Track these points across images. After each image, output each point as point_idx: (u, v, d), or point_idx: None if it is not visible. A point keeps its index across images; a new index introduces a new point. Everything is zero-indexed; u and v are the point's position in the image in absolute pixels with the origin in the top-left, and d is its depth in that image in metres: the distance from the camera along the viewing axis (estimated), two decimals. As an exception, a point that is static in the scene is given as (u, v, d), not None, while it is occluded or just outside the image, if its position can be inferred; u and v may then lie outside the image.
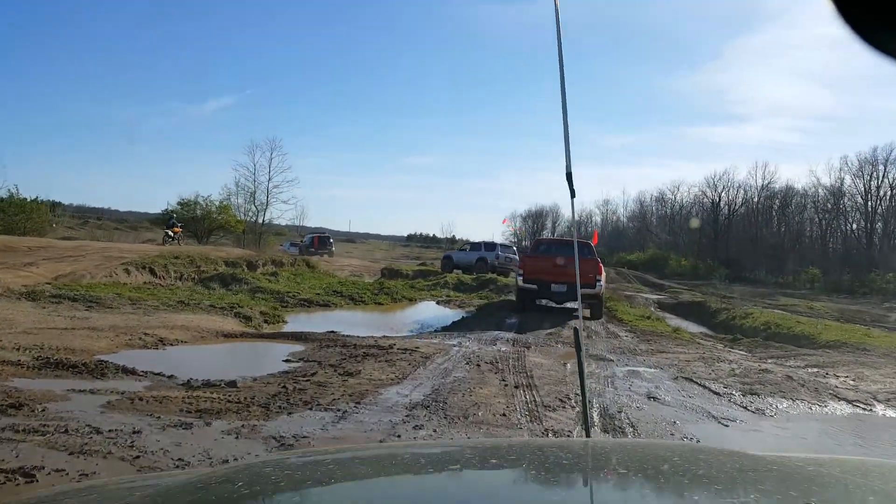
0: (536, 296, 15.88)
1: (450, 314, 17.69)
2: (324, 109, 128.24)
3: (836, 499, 1.35)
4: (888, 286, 56.44)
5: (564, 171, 4.33)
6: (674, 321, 21.08)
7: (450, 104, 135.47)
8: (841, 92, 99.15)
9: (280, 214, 54.39)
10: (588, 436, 4.81)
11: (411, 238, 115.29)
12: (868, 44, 1.07)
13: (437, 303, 20.75)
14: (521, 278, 15.78)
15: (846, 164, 66.01)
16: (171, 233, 32.56)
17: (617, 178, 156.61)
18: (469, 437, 5.84)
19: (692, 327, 20.94)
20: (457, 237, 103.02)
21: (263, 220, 53.23)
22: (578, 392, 5.47)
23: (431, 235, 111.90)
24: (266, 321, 13.36)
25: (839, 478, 1.49)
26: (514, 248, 38.12)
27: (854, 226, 68.84)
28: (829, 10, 1.03)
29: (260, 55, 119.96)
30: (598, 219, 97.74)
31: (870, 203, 65.47)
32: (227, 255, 26.54)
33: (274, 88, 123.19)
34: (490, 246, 34.77)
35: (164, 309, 12.54)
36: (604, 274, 16.01)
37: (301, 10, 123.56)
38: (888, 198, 64.11)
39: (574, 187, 4.45)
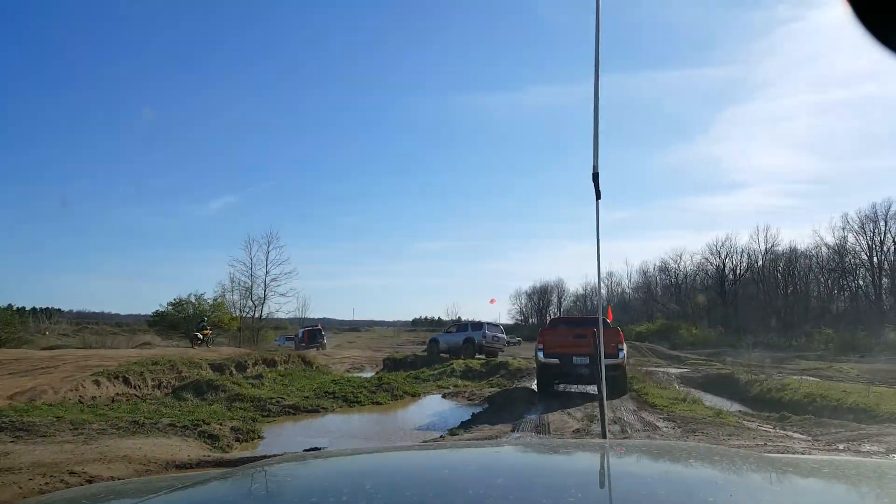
0: (558, 371, 14.89)
1: (457, 411, 15.29)
2: (329, 201, 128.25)
3: (851, 501, 1.36)
4: (904, 341, 53.96)
5: (591, 173, 4.22)
6: (707, 399, 18.63)
7: (454, 189, 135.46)
8: (828, 156, 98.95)
9: (278, 308, 52.46)
10: (605, 437, 4.63)
11: (417, 322, 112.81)
12: (886, 46, 1.12)
13: (444, 396, 18.33)
14: (542, 353, 14.81)
15: (847, 221, 64.26)
16: (200, 335, 32.57)
17: (618, 251, 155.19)
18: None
19: (728, 405, 18.48)
20: (463, 319, 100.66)
21: (261, 315, 51.22)
22: None
23: (437, 318, 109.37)
24: (238, 439, 11.01)
25: (855, 480, 1.47)
26: (502, 327, 36.22)
27: (861, 282, 66.52)
28: (848, 15, 1.09)
29: (263, 153, 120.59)
30: (603, 292, 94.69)
31: (874, 258, 63.35)
32: (216, 357, 24.34)
33: (279, 183, 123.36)
34: (476, 326, 33.16)
35: (111, 433, 10.20)
36: (625, 343, 15.14)
37: (301, 101, 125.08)
38: (892, 252, 62.01)
39: (600, 188, 4.29)
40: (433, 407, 16.60)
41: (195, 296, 39.94)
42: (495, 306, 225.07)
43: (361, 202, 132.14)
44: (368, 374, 28.87)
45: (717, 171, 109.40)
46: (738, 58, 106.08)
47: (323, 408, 15.19)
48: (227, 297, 45.94)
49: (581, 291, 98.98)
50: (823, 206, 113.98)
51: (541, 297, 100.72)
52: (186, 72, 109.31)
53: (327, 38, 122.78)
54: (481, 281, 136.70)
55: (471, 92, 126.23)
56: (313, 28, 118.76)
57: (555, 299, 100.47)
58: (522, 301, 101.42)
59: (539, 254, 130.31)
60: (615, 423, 12.34)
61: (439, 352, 31.47)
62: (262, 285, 51.49)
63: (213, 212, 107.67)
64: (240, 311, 48.34)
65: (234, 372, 23.94)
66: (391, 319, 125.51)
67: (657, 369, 28.53)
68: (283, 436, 11.99)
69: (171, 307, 39.23)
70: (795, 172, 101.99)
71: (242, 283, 48.64)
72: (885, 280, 63.00)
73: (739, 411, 17.01)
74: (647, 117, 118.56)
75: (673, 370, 30.47)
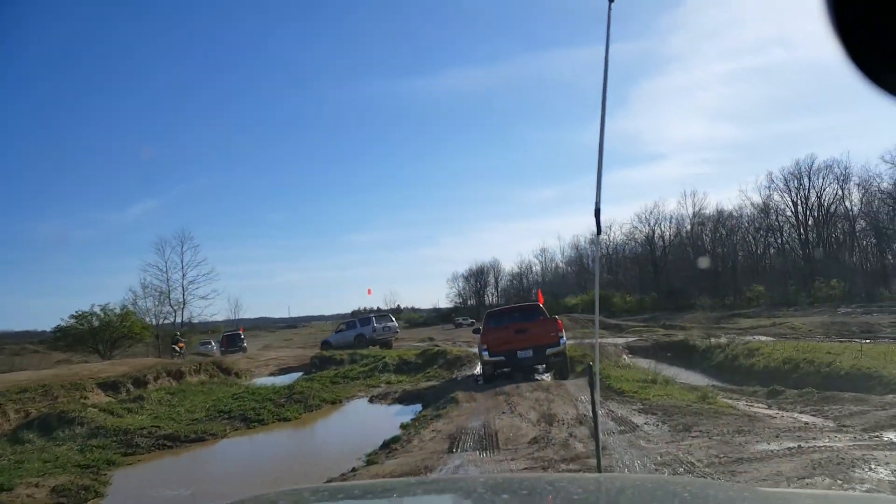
0: (503, 366, 14.23)
1: (383, 421, 11.95)
2: (256, 198, 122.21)
3: None
4: (834, 293, 53.26)
5: (594, 208, 4.01)
6: (667, 372, 15.79)
7: (381, 178, 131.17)
8: (742, 122, 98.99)
9: (200, 311, 48.14)
10: (600, 470, 4.54)
11: (356, 314, 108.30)
12: (877, 85, 1.07)
13: (371, 399, 14.95)
14: (487, 353, 14.09)
15: (772, 180, 63.55)
16: (177, 348, 33.18)
17: (549, 229, 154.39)
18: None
19: (694, 377, 15.71)
20: (401, 307, 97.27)
21: (182, 321, 46.80)
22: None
23: (376, 309, 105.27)
24: (58, 506, 7.40)
25: None
26: (391, 316, 34.53)
27: (787, 238, 66.12)
28: (841, 56, 1.06)
29: (183, 151, 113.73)
30: (537, 268, 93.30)
31: (800, 214, 62.85)
32: (110, 374, 20.43)
33: (203, 184, 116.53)
34: (364, 320, 32.21)
35: None
36: (564, 330, 14.60)
37: (224, 98, 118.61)
38: (817, 207, 61.54)
39: (600, 225, 4.12)
40: (354, 418, 13.27)
41: (99, 306, 35.34)
42: (433, 290, 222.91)
43: (290, 197, 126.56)
44: (296, 376, 25.59)
45: (636, 144, 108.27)
46: (648, 32, 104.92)
47: (211, 434, 11.62)
48: (139, 304, 41.59)
49: (516, 270, 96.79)
50: (741, 171, 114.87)
51: (477, 278, 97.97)
52: (89, 70, 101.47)
53: (241, 27, 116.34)
54: (417, 268, 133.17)
55: (391, 78, 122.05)
56: (233, 21, 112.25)
57: (491, 280, 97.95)
58: (460, 284, 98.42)
59: (472, 237, 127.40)
60: (580, 423, 9.26)
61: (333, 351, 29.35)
62: (181, 289, 47.20)
63: (133, 218, 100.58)
64: (155, 318, 43.98)
65: (132, 388, 20.25)
66: (330, 313, 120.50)
67: (602, 341, 25.75)
68: (134, 488, 8.41)
69: (73, 320, 34.51)
70: (712, 140, 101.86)
71: (156, 288, 44.32)
72: (811, 234, 62.55)
73: (713, 386, 14.22)
74: (566, 95, 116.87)
75: (618, 340, 27.93)
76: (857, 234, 60.18)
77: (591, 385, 4.28)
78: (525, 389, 12.10)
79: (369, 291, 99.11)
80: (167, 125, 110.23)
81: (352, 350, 26.78)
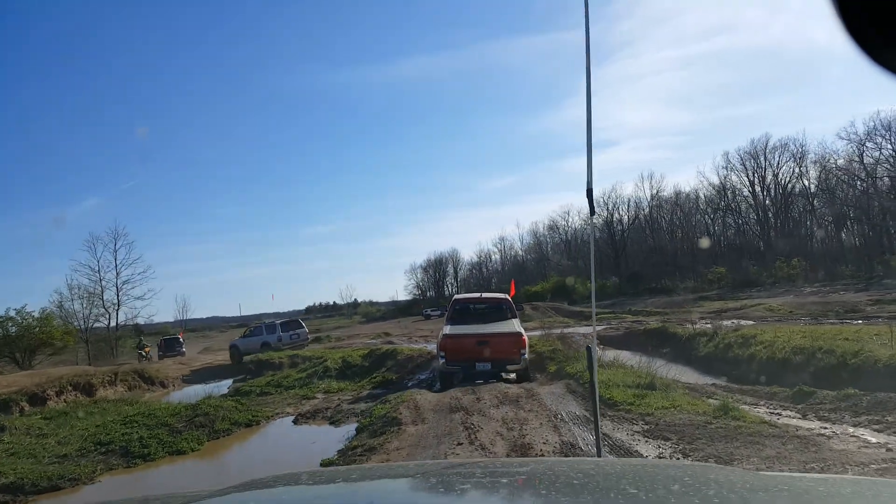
0: (461, 375, 13.14)
1: (299, 457, 8.99)
2: (206, 194, 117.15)
3: None
4: (794, 272, 51.86)
5: (585, 189, 3.89)
6: (648, 364, 13.10)
7: (334, 170, 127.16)
8: (693, 107, 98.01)
9: (136, 313, 44.17)
10: (599, 455, 4.56)
11: (310, 310, 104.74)
12: (876, 62, 1.06)
13: (298, 419, 11.91)
14: (444, 360, 13.17)
15: (728, 160, 61.98)
16: (143, 353, 33.08)
17: (508, 217, 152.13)
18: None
19: (681, 372, 13.10)
20: (359, 300, 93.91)
21: (117, 324, 42.87)
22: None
23: (332, 303, 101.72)
24: None
25: (849, 498, 1.40)
26: (301, 321, 31.47)
27: (744, 218, 64.75)
28: (840, 30, 1.05)
29: (126, 149, 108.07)
30: (497, 257, 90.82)
31: (757, 194, 61.46)
32: (2, 391, 17.32)
33: (149, 180, 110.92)
34: (271, 327, 29.43)
35: None
36: (527, 346, 13.39)
37: (168, 92, 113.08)
38: (773, 186, 60.19)
39: (594, 205, 4.11)
40: (266, 450, 10.28)
41: (15, 310, 31.47)
42: (391, 283, 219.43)
43: (240, 191, 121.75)
44: (229, 382, 22.42)
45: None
46: (598, 18, 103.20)
47: (72, 478, 8.53)
48: (66, 307, 37.69)
49: (476, 259, 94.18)
50: (695, 156, 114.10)
51: (436, 269, 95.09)
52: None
53: (184, 19, 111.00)
54: (374, 260, 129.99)
55: (342, 67, 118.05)
56: (175, 15, 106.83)
57: (451, 270, 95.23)
58: (418, 275, 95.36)
59: (430, 227, 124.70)
60: (566, 455, 6.48)
61: (241, 357, 27.20)
62: (115, 289, 43.29)
63: (77, 216, 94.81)
64: (84, 321, 40.03)
65: (27, 406, 17.09)
66: (285, 310, 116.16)
67: (569, 331, 23.02)
68: None
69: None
70: (665, 126, 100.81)
71: (87, 289, 40.39)
72: (769, 213, 61.22)
73: (714, 385, 11.62)
74: (519, 84, 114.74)
75: (586, 329, 25.32)
76: (815, 211, 59.00)
77: (590, 368, 4.20)
78: (488, 403, 9.27)
79: (272, 297, 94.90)
80: (111, 120, 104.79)
81: (293, 351, 23.66)
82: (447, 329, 13.64)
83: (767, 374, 11.48)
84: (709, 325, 18.59)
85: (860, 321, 18.87)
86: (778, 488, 1.47)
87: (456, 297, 17.17)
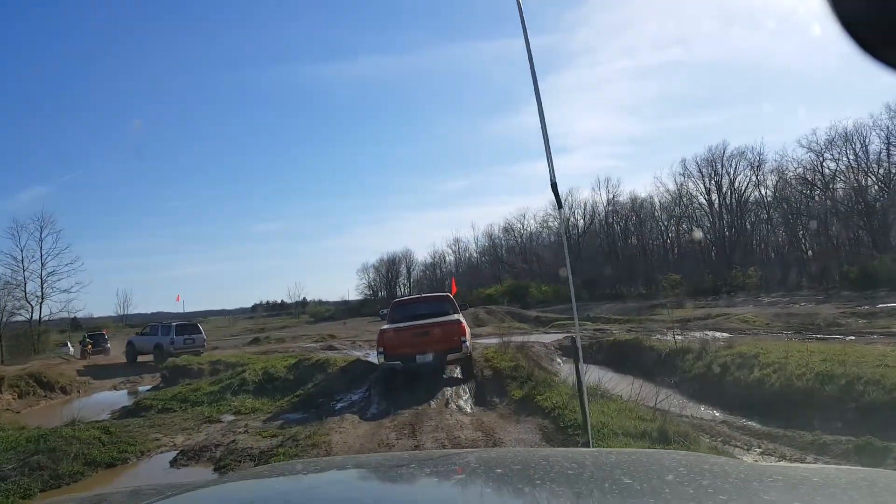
0: (401, 370, 12.84)
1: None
2: (153, 185, 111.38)
3: None
4: (750, 281, 50.46)
5: (549, 183, 3.88)
6: (624, 385, 10.31)
7: (286, 166, 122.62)
8: (646, 117, 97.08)
9: (61, 307, 40.29)
10: (590, 446, 4.46)
11: (257, 308, 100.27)
12: (875, 59, 1.05)
13: (179, 458, 8.75)
14: (383, 356, 12.65)
15: (685, 167, 60.45)
16: (88, 349, 31.67)
17: (463, 219, 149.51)
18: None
19: (673, 401, 10.36)
20: (308, 299, 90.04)
21: (40, 317, 38.91)
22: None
23: (280, 302, 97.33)
24: None
25: (845, 488, 1.36)
26: (199, 326, 28.59)
27: (699, 225, 63.43)
28: (837, 28, 1.04)
29: (72, 138, 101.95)
30: (451, 258, 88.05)
31: (714, 202, 60.13)
32: None
33: (96, 170, 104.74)
34: (166, 328, 26.95)
35: None
36: (468, 333, 13.16)
37: (113, 80, 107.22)
38: (730, 194, 58.91)
39: (560, 198, 4.07)
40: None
41: None
42: (342, 282, 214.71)
43: (186, 185, 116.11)
44: (145, 389, 19.28)
45: (541, 138, 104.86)
46: (554, 27, 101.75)
47: None
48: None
49: (430, 260, 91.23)
50: (646, 165, 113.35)
51: (389, 269, 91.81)
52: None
53: (132, 10, 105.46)
54: (325, 258, 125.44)
55: (298, 63, 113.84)
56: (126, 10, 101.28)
57: (403, 270, 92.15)
58: (370, 275, 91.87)
59: (384, 227, 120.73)
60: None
61: (136, 355, 26.50)
62: (39, 280, 39.35)
63: (20, 204, 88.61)
64: (1, 314, 36.14)
65: None
66: (232, 307, 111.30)
67: (527, 339, 20.14)
68: None
69: None
70: (619, 134, 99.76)
71: (5, 279, 36.66)
72: (725, 221, 59.90)
73: (723, 422, 8.95)
74: (475, 87, 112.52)
75: (545, 337, 22.66)
76: (771, 220, 57.90)
77: (575, 359, 4.40)
78: (427, 428, 6.38)
79: (178, 298, 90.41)
80: (57, 108, 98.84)
81: (214, 359, 20.41)
82: (385, 325, 13.51)
83: (788, 408, 8.88)
84: (686, 338, 16.07)
85: (852, 337, 16.65)
86: (773, 478, 1.46)
87: (395, 300, 16.86)
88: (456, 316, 13.51)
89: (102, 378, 23.49)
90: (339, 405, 11.46)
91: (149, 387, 19.69)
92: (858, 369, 9.02)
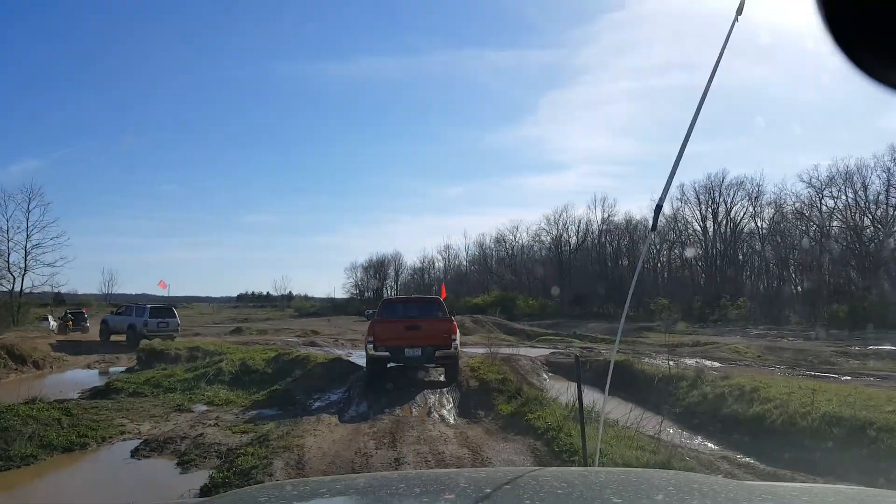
0: (390, 361, 12.85)
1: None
2: (149, 168, 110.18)
3: None
4: (740, 312, 50.16)
5: (656, 204, 3.56)
6: (616, 408, 9.78)
7: (281, 160, 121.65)
8: (644, 140, 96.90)
9: (44, 281, 39.45)
10: (585, 464, 4.38)
11: (242, 298, 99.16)
12: (868, 76, 1.04)
13: (141, 448, 8.04)
14: (372, 346, 12.58)
15: (683, 192, 60.16)
16: (69, 325, 31.37)
17: (455, 227, 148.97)
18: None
19: (668, 431, 9.92)
20: (293, 293, 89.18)
21: (21, 289, 38.09)
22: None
23: (265, 293, 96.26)
24: None
25: None
26: (174, 310, 27.82)
27: (693, 251, 63.16)
28: (830, 45, 1.02)
29: (67, 114, 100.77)
30: (440, 264, 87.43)
31: (709, 229, 59.91)
32: None
33: (91, 147, 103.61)
34: (140, 310, 26.57)
35: None
36: (458, 333, 13.26)
37: (119, 65, 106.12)
38: (726, 222, 58.72)
39: (657, 221, 3.88)
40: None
41: None
42: (330, 280, 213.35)
43: (184, 171, 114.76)
44: (119, 370, 18.65)
45: (542, 152, 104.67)
46: (560, 42, 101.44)
47: None
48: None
49: (419, 264, 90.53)
50: (642, 188, 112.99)
51: (377, 270, 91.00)
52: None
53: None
54: (314, 255, 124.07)
55: (301, 59, 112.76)
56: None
57: (392, 272, 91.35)
58: (358, 275, 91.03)
59: (376, 228, 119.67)
60: None
61: (110, 334, 26.56)
62: (23, 252, 38.57)
63: (10, 177, 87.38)
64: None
65: None
66: (217, 295, 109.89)
67: (513, 352, 19.62)
68: None
69: None
70: (614, 155, 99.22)
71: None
72: (718, 250, 59.66)
73: (723, 457, 8.42)
74: (480, 97, 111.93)
75: (532, 351, 22.18)
76: (764, 253, 57.71)
77: (577, 377, 4.45)
78: (413, 468, 5.81)
79: (161, 283, 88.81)
80: (54, 83, 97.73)
81: (192, 345, 19.75)
82: (379, 316, 13.51)
83: (792, 448, 8.35)
84: (678, 364, 15.57)
85: (847, 377, 16.19)
86: (762, 498, 1.44)
87: (386, 298, 16.87)
88: (447, 315, 13.54)
89: (78, 355, 22.79)
90: (317, 404, 10.87)
91: (123, 368, 19.07)
92: (868, 413, 8.51)
